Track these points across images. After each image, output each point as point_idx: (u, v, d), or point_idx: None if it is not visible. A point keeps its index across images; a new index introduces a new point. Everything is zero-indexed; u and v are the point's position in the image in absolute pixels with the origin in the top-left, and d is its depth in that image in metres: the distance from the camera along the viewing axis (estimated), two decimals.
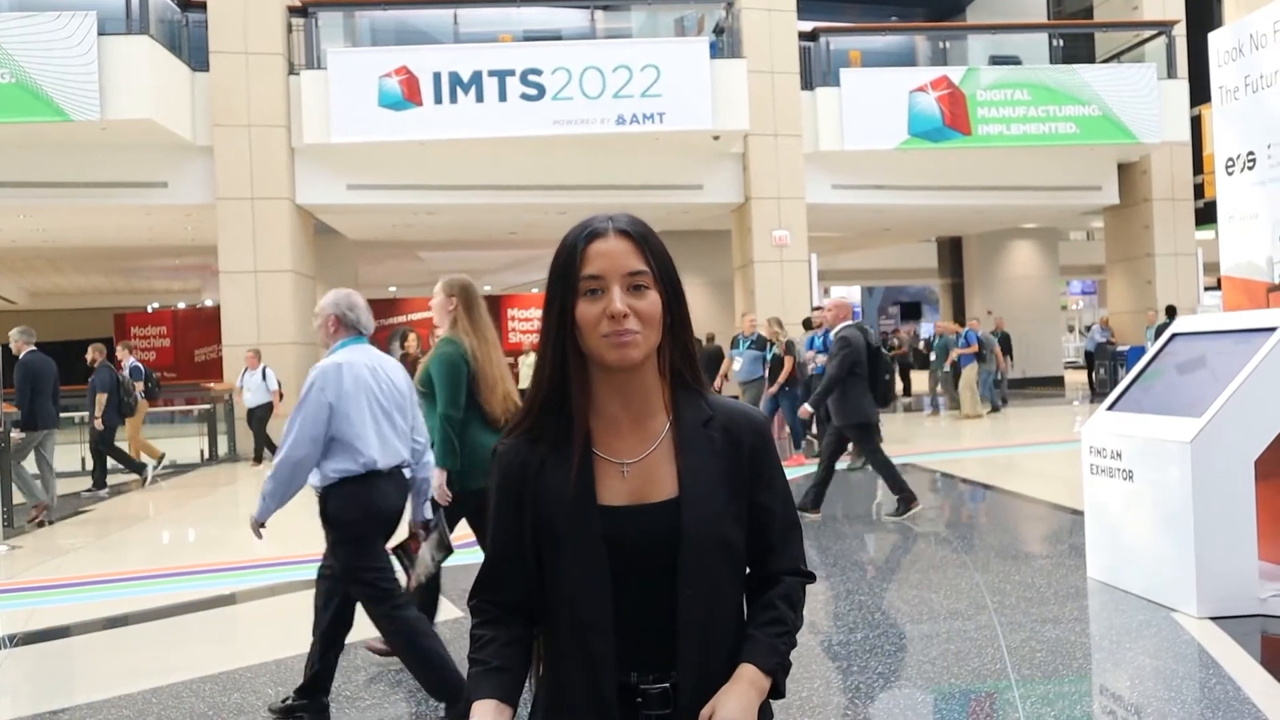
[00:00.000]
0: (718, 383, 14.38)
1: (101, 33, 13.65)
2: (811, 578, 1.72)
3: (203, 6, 15.62)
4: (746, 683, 1.55)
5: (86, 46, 13.48)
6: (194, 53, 15.71)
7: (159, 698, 4.83)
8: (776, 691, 1.60)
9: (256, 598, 7.12)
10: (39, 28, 13.45)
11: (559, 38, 17.26)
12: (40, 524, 10.00)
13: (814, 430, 15.76)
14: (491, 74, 15.44)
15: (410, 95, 15.33)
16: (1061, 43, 19.49)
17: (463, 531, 4.92)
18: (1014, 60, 18.89)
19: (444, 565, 4.82)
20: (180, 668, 5.29)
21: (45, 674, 5.40)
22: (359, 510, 4.09)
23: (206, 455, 15.67)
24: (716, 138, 16.37)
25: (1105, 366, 20.99)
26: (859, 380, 8.27)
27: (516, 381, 4.94)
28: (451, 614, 6.02)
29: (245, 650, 5.89)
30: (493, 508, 1.67)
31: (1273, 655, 4.94)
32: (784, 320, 15.93)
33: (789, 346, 12.58)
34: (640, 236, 1.58)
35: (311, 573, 7.70)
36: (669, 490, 1.58)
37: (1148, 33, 19.14)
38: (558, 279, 1.57)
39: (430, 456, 4.57)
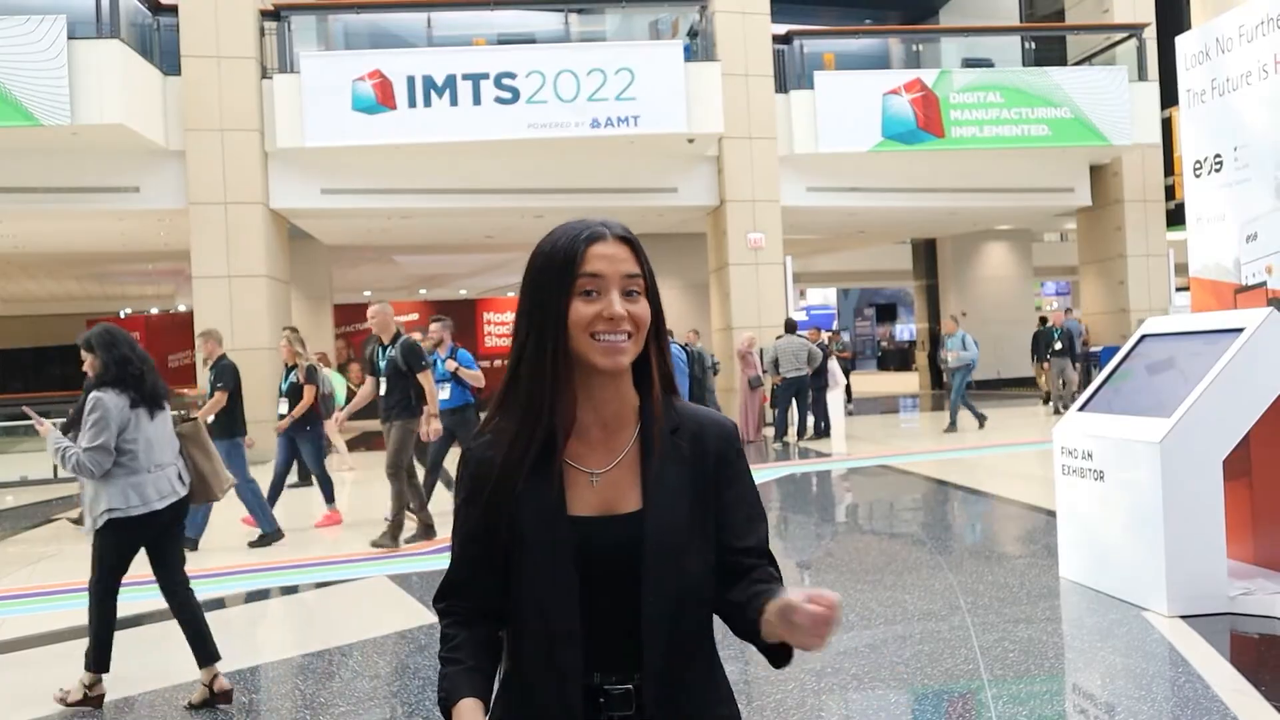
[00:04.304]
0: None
1: (71, 36, 13.53)
2: (778, 570, 1.69)
3: (174, 10, 15.51)
4: None
5: (56, 50, 13.37)
6: (165, 56, 15.59)
7: (131, 706, 4.80)
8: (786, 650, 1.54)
9: (231, 604, 7.07)
10: (7, 32, 13.32)
11: (533, 41, 17.25)
12: None
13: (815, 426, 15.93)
14: (465, 77, 15.41)
15: (384, 99, 15.29)
16: (1033, 45, 19.65)
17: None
18: (987, 63, 19.02)
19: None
20: (153, 676, 5.26)
21: (16, 684, 5.35)
22: None
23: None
24: (691, 141, 16.40)
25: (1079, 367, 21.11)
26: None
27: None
28: (428, 619, 6.01)
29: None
30: (459, 511, 1.65)
31: (1241, 653, 5.00)
32: (688, 333, 15.73)
33: (310, 373, 9.78)
34: (635, 243, 1.59)
35: (289, 579, 7.71)
36: (636, 501, 1.57)
37: (1118, 35, 19.30)
38: (552, 277, 1.55)
39: None
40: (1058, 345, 18.24)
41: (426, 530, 8.60)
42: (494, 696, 1.64)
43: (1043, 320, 21.84)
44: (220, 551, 8.71)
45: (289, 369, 9.85)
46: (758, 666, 4.98)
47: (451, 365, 9.17)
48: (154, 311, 31.88)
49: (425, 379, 8.36)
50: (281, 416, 9.69)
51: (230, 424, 8.70)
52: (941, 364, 17.74)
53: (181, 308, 29.34)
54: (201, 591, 7.28)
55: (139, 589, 7.44)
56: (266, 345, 15.72)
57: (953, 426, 15.86)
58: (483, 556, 1.61)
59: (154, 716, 4.72)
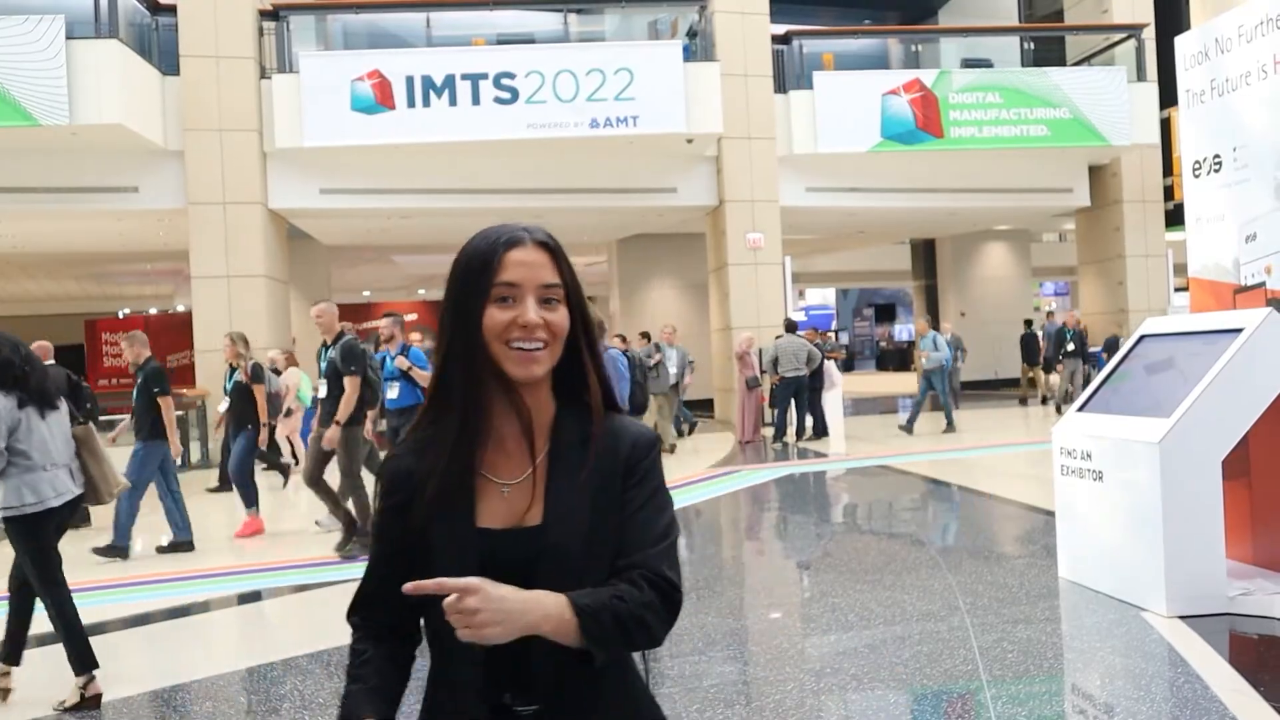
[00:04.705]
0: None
1: (70, 36, 13.51)
2: (673, 588, 1.53)
3: (173, 10, 15.50)
4: (542, 597, 1.43)
5: (55, 51, 13.35)
6: (164, 56, 15.57)
7: (130, 707, 4.80)
8: (589, 653, 1.46)
9: (229, 605, 7.07)
10: (6, 32, 13.29)
11: (532, 41, 17.24)
12: None
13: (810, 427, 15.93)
14: (464, 77, 15.41)
15: (383, 99, 15.28)
16: (1032, 46, 19.64)
17: None
18: (986, 63, 19.02)
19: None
20: (151, 676, 5.26)
21: (16, 684, 5.34)
22: None
23: (179, 461, 15.53)
24: (690, 141, 16.39)
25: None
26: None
27: None
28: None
29: (218, 658, 5.86)
30: (375, 521, 1.62)
31: (1240, 653, 5.00)
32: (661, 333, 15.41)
33: (256, 371, 9.63)
34: (556, 250, 1.55)
35: (286, 580, 7.71)
36: (540, 515, 1.53)
37: (1117, 36, 19.30)
38: (469, 282, 1.52)
39: None
40: (1070, 346, 18.38)
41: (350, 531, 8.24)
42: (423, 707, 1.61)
43: (1028, 323, 22.16)
44: (216, 552, 8.72)
45: (232, 369, 9.70)
46: (757, 667, 4.98)
47: (402, 363, 8.72)
48: (153, 311, 31.87)
49: (350, 383, 7.97)
50: (223, 414, 9.62)
51: (156, 426, 8.47)
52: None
53: (180, 308, 29.32)
54: (201, 591, 7.30)
55: (137, 589, 7.45)
56: (265, 346, 15.70)
57: (950, 427, 15.87)
58: (395, 568, 1.56)
59: (154, 716, 4.72)
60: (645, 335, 16.55)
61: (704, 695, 4.42)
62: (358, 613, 1.64)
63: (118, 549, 8.41)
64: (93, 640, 4.93)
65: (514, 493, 1.55)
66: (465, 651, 1.48)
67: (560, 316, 1.53)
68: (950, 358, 16.76)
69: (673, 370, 15.47)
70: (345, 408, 8.00)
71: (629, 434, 1.59)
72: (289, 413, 13.40)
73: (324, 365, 8.24)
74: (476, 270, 1.52)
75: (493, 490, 1.55)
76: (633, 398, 8.79)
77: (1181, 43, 6.77)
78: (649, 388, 15.25)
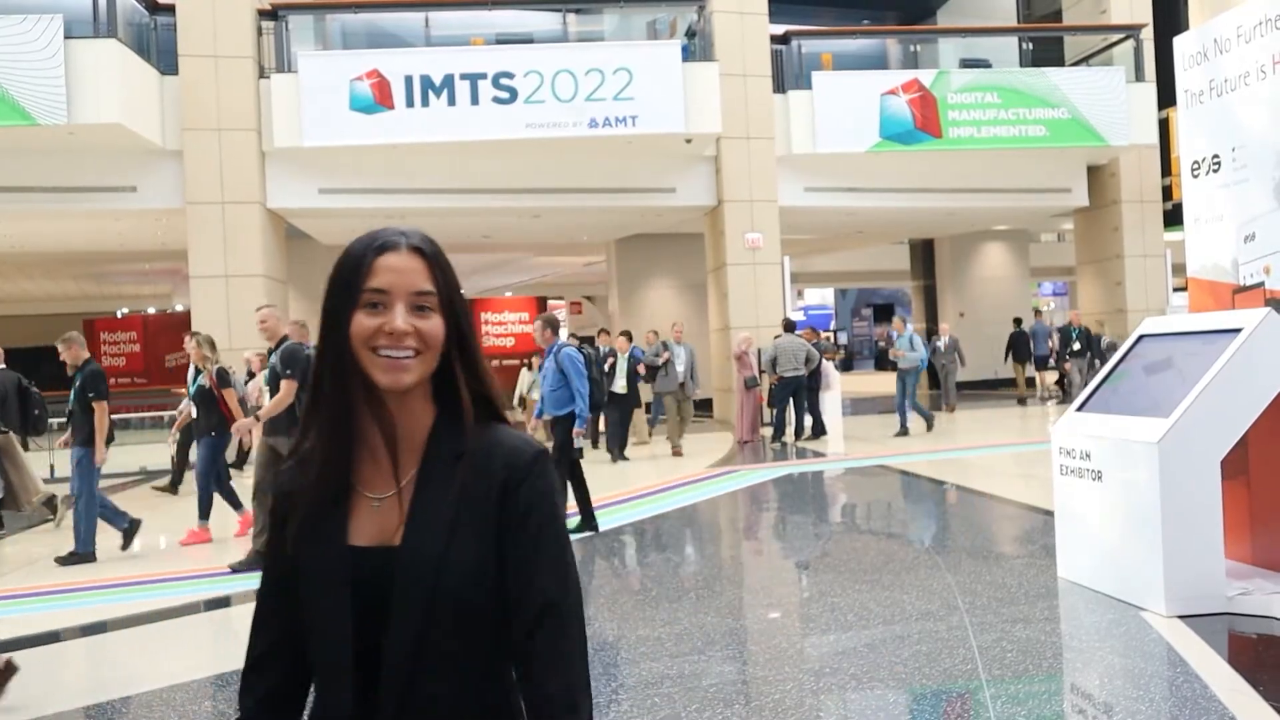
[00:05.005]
0: None
1: (68, 36, 13.52)
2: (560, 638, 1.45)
3: (171, 9, 15.50)
4: None
5: (53, 50, 13.35)
6: (163, 56, 15.58)
7: (129, 707, 4.79)
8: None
9: (228, 605, 7.06)
10: (4, 31, 13.29)
11: (531, 41, 17.25)
12: None
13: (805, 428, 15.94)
14: (463, 77, 15.41)
15: (382, 98, 15.28)
16: (1031, 46, 19.66)
17: None
18: (984, 63, 19.03)
19: None
20: (151, 676, 5.25)
21: (11, 685, 5.34)
22: None
23: (178, 461, 15.51)
24: (689, 141, 16.40)
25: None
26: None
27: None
28: None
29: (217, 658, 5.85)
30: (266, 539, 1.57)
31: (1239, 653, 5.00)
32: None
33: (222, 376, 9.32)
34: (432, 256, 1.49)
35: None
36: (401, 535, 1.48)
37: (1116, 36, 19.32)
38: (339, 289, 1.46)
39: None
40: (1076, 345, 18.47)
41: None
42: None
43: (1017, 321, 22.39)
44: (209, 555, 8.71)
45: (196, 372, 9.36)
46: (756, 667, 4.98)
47: None
48: (151, 311, 31.85)
49: (285, 386, 7.68)
50: (193, 420, 9.45)
51: (92, 431, 8.24)
52: (938, 360, 17.97)
53: (179, 307, 29.31)
54: (190, 592, 7.29)
55: (136, 589, 7.45)
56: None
57: (929, 426, 16.02)
58: (279, 584, 1.50)
59: (152, 717, 4.72)
60: (627, 334, 16.51)
61: (704, 695, 4.42)
62: (251, 636, 1.54)
63: (81, 556, 8.34)
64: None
65: (384, 508, 1.48)
66: (337, 669, 1.43)
67: (433, 325, 1.45)
68: (926, 358, 16.89)
69: (680, 369, 15.41)
70: (272, 408, 7.76)
71: (503, 450, 1.49)
72: None
73: (268, 372, 8.04)
74: (347, 275, 1.46)
75: (365, 505, 1.48)
76: (591, 395, 8.81)
77: (1180, 43, 6.77)
78: (657, 387, 15.26)
